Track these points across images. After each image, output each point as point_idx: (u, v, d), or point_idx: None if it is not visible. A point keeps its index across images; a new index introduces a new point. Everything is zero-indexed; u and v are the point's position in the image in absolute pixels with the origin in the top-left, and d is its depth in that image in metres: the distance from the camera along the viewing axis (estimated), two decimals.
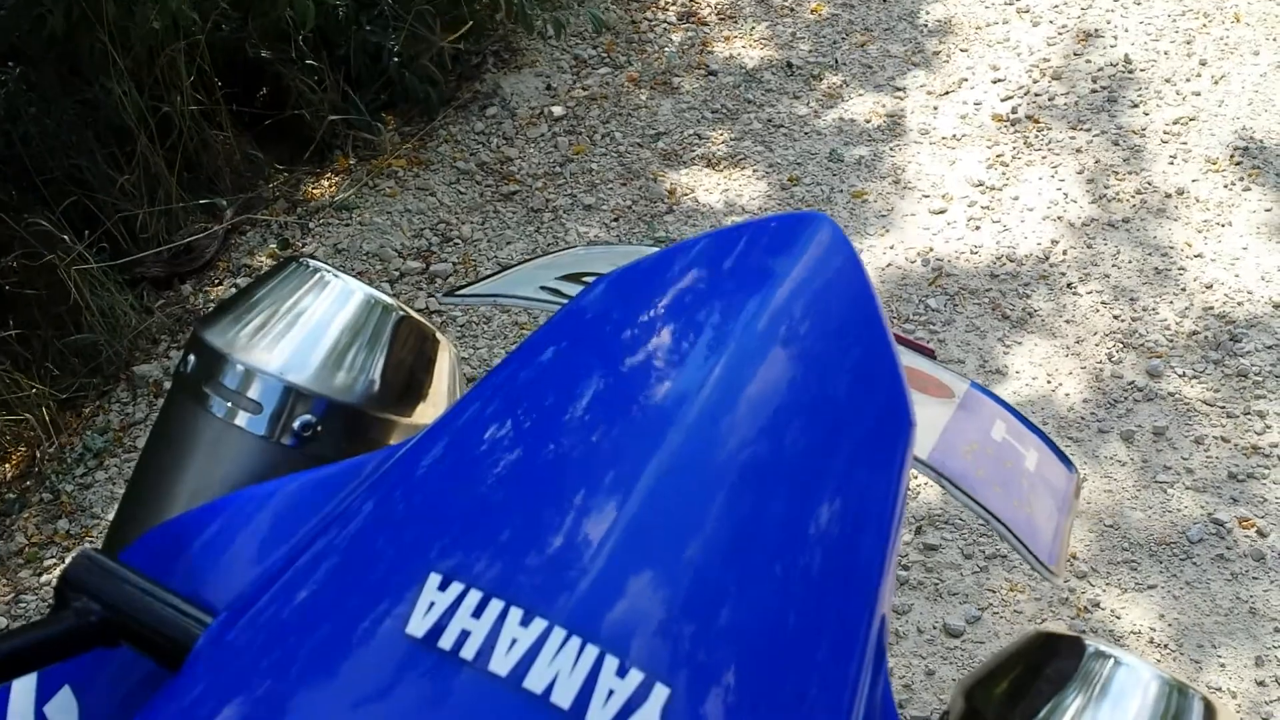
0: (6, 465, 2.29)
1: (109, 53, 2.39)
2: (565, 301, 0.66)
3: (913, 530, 2.03)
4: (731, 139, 2.85)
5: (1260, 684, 1.80)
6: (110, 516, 2.23)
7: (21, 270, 2.37)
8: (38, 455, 2.27)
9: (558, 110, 2.93)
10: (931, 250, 2.54)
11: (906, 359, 0.88)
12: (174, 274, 2.56)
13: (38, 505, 2.19)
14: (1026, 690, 0.62)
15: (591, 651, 0.44)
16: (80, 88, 2.51)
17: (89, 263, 2.33)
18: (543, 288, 0.87)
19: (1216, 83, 2.84)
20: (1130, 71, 2.90)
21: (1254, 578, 1.92)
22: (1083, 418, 2.19)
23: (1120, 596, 1.92)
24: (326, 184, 2.77)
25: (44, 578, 2.06)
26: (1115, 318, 2.36)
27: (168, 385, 2.36)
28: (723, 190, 2.71)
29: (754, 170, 2.76)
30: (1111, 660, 0.62)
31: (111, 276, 2.41)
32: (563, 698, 0.43)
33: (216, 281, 2.56)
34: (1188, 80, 2.86)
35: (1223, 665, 1.82)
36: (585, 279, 0.86)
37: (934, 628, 1.89)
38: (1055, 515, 0.79)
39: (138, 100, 2.47)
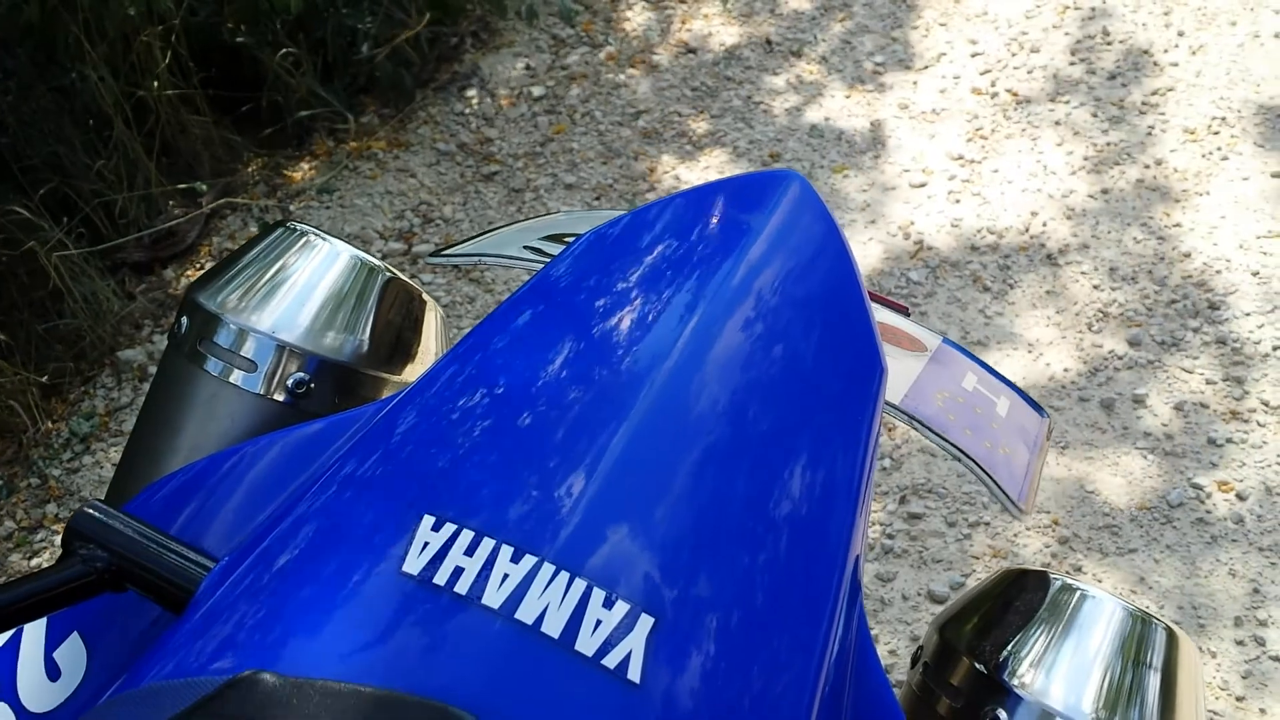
0: None
1: (82, 40, 2.38)
2: (547, 260, 0.68)
3: (896, 500, 2.04)
4: (712, 116, 2.85)
5: (1240, 643, 1.82)
6: (83, 504, 2.23)
7: (1, 258, 2.37)
8: (23, 441, 2.27)
9: (537, 90, 2.93)
10: (912, 224, 2.55)
11: (881, 315, 0.89)
12: (155, 259, 2.56)
13: (26, 490, 2.19)
14: (997, 623, 0.64)
15: (579, 585, 0.47)
16: (55, 74, 2.50)
17: (69, 249, 2.33)
18: (526, 247, 0.88)
19: (1194, 53, 2.85)
20: (1109, 43, 2.91)
21: (1233, 540, 1.94)
22: (1063, 386, 2.20)
23: (1102, 561, 1.93)
24: (306, 167, 2.76)
25: (34, 560, 2.06)
26: (1095, 287, 2.38)
27: (152, 370, 2.36)
28: (704, 167, 2.71)
29: (735, 147, 2.76)
30: (1078, 593, 0.64)
31: (92, 262, 2.40)
32: (553, 627, 0.45)
33: (199, 265, 2.55)
34: (1165, 51, 2.87)
35: (1202, 626, 1.84)
36: (567, 239, 0.88)
37: (918, 594, 1.90)
38: (1026, 456, 0.81)
39: (113, 86, 2.46)
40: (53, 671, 0.61)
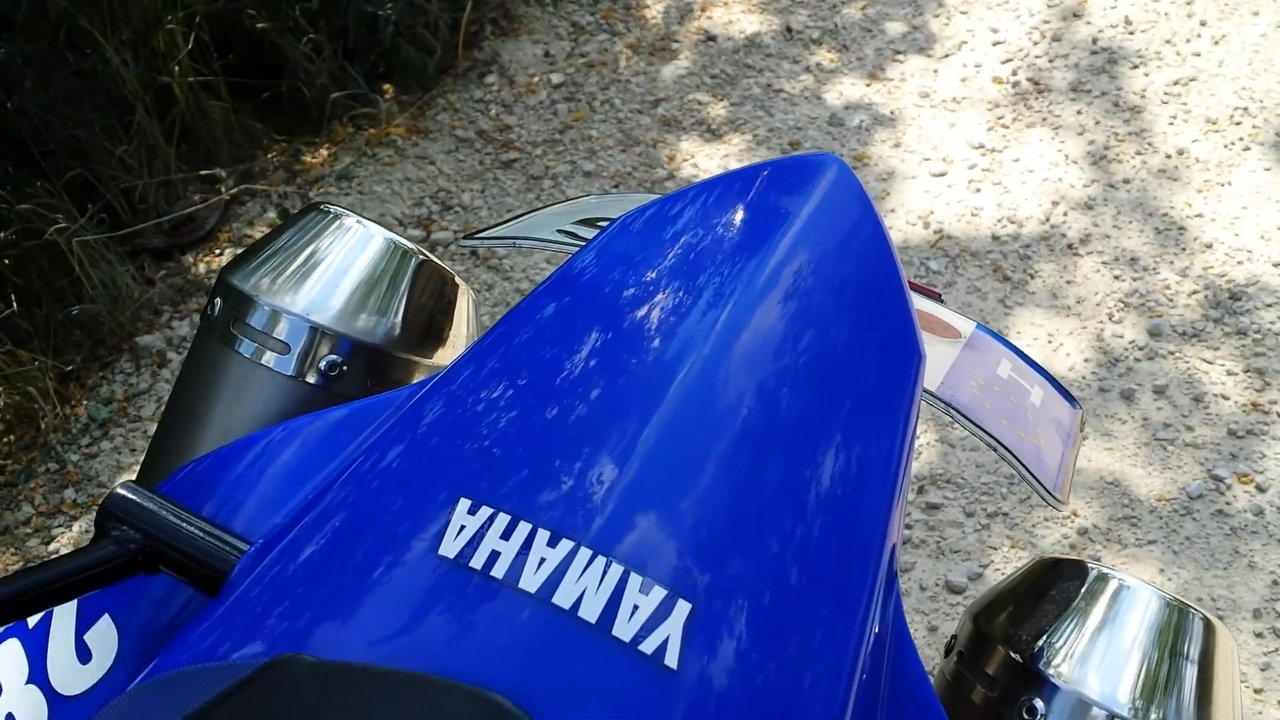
0: (10, 437, 2.30)
1: (105, 25, 2.39)
2: (582, 244, 0.68)
3: (915, 490, 2.04)
4: (731, 104, 2.84)
5: (1259, 635, 1.81)
6: (117, 484, 2.24)
7: (21, 244, 2.38)
8: (42, 427, 2.28)
9: (556, 78, 2.92)
10: (932, 213, 2.54)
11: (915, 302, 0.89)
12: (175, 245, 2.57)
13: (44, 475, 2.20)
14: (1032, 612, 0.64)
15: (616, 570, 0.46)
16: (77, 59, 2.50)
17: (89, 234, 2.34)
18: (560, 231, 0.88)
19: (1217, 43, 2.82)
20: (1130, 33, 2.89)
21: (1252, 532, 1.94)
22: (1083, 377, 2.20)
23: (1121, 552, 1.93)
24: (325, 153, 2.76)
25: (52, 546, 2.08)
26: (1116, 278, 2.37)
27: (171, 356, 2.37)
28: (723, 155, 2.71)
29: (754, 135, 2.75)
30: (1115, 582, 0.63)
31: (112, 248, 2.41)
32: (590, 612, 0.45)
33: (218, 252, 2.56)
34: (1188, 41, 2.85)
35: (1221, 618, 1.83)
36: (601, 223, 0.88)
37: (936, 584, 1.90)
38: (1060, 447, 0.80)
39: (135, 72, 2.46)
40: (84, 654, 0.61)
